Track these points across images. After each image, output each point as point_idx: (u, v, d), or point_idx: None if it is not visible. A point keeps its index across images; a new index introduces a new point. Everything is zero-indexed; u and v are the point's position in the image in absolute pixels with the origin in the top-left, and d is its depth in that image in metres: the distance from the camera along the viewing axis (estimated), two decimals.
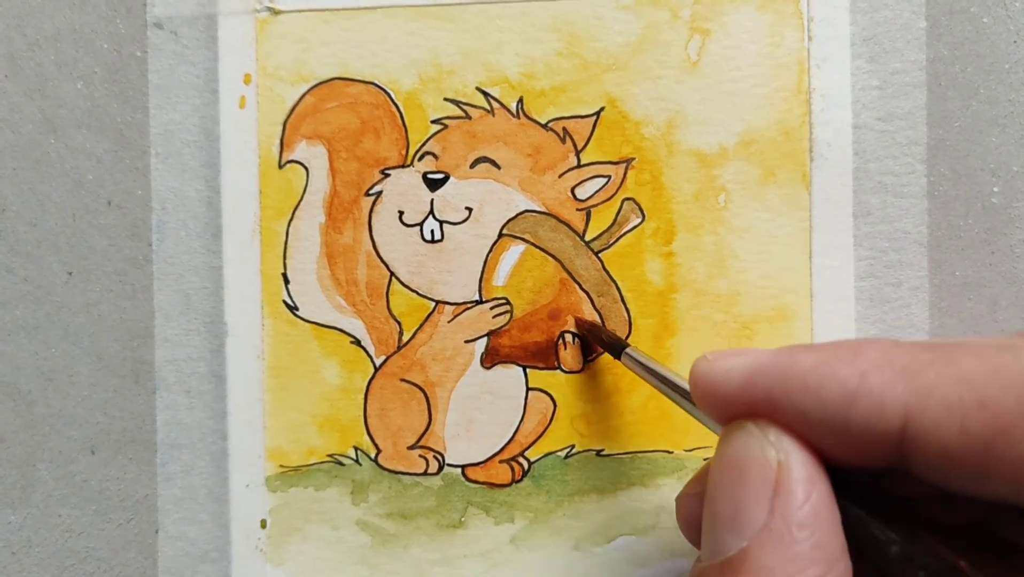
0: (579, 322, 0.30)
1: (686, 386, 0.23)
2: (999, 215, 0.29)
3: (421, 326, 0.30)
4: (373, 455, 0.30)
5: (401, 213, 0.30)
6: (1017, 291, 0.29)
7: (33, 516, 0.31)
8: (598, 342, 0.29)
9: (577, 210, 0.30)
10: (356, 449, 0.30)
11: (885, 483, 0.20)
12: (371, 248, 0.31)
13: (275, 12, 0.31)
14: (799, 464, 0.18)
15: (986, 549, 0.19)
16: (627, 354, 0.27)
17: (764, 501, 0.18)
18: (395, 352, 0.30)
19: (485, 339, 0.30)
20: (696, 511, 0.23)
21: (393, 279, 0.31)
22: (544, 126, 0.30)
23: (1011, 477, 0.17)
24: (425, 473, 0.30)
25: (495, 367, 0.30)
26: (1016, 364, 0.17)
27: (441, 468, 0.30)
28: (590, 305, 0.30)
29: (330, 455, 0.31)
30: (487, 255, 0.30)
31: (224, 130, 0.31)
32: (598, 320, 0.30)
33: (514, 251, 0.30)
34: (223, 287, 0.31)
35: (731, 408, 0.20)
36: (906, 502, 0.19)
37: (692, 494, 0.24)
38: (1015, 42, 0.29)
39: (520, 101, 0.30)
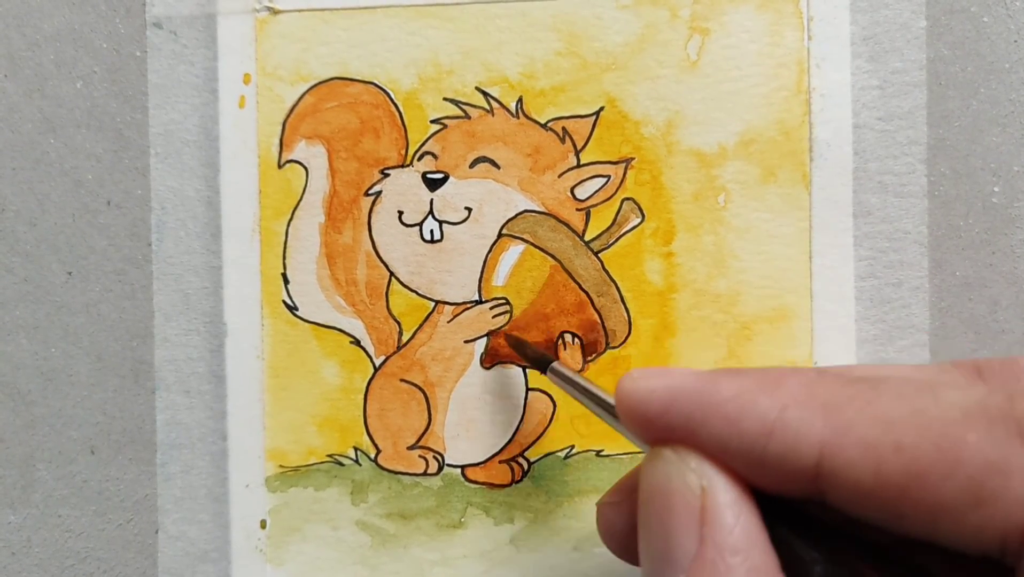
0: (507, 337, 0.30)
1: (613, 402, 0.23)
2: (1000, 215, 0.29)
3: (421, 326, 0.30)
4: (373, 455, 0.30)
5: (400, 213, 0.30)
6: (1018, 291, 0.29)
7: (33, 516, 0.31)
8: (524, 358, 0.29)
9: (577, 210, 0.30)
10: (356, 449, 0.30)
11: (809, 503, 0.20)
12: (370, 248, 0.31)
13: (274, 12, 0.30)
14: (723, 489, 0.18)
15: (912, 567, 0.19)
16: (553, 369, 0.27)
17: (693, 530, 0.18)
18: (395, 352, 0.30)
19: (485, 339, 0.30)
20: (615, 520, 0.23)
21: (393, 279, 0.30)
22: (544, 126, 0.30)
23: (926, 519, 0.16)
24: (425, 473, 0.30)
25: (495, 367, 0.30)
26: (935, 407, 0.17)
27: (441, 468, 0.30)
28: (590, 305, 0.30)
29: (330, 455, 0.31)
30: (486, 255, 0.30)
31: (223, 130, 0.31)
32: (527, 338, 0.30)
33: (513, 251, 0.30)
34: (223, 287, 0.31)
35: (653, 430, 0.20)
36: (831, 521, 0.19)
37: (612, 503, 0.24)
38: (1015, 41, 0.29)
39: (519, 101, 0.30)
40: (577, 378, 0.26)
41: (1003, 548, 0.16)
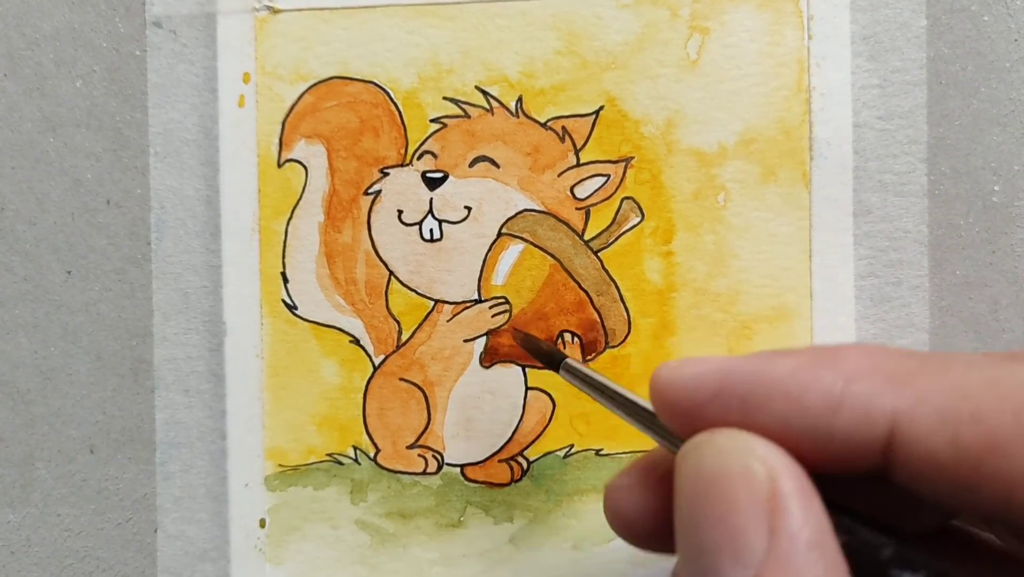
0: (515, 333, 0.30)
1: (634, 398, 0.22)
2: (1000, 214, 0.29)
3: (420, 325, 0.30)
4: (372, 454, 0.30)
5: (400, 212, 0.30)
6: (1018, 290, 0.29)
7: (32, 515, 0.31)
8: (533, 354, 0.29)
9: (576, 209, 0.30)
10: (355, 448, 0.30)
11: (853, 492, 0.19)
12: (370, 247, 0.30)
13: (274, 11, 0.30)
14: (790, 476, 0.17)
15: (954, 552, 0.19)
16: (566, 366, 0.26)
17: (762, 523, 0.16)
18: (394, 351, 0.30)
19: (484, 338, 0.30)
20: (627, 505, 0.21)
21: (392, 278, 0.30)
22: (543, 125, 0.30)
23: (1001, 493, 0.16)
24: (424, 472, 0.30)
25: (494, 366, 0.30)
26: (1012, 377, 0.16)
27: (440, 467, 0.30)
28: (589, 304, 0.30)
29: (329, 454, 0.31)
30: (486, 254, 0.30)
31: (223, 129, 0.31)
32: (534, 335, 0.29)
33: (513, 250, 0.30)
34: (222, 286, 0.31)
35: (699, 419, 0.18)
36: (874, 509, 0.18)
37: (623, 487, 0.22)
38: (1016, 40, 0.29)
39: (519, 100, 0.30)
40: (593, 374, 0.25)
41: None
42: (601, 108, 0.30)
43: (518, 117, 0.30)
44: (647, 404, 0.22)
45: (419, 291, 0.30)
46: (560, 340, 0.30)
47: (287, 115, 0.31)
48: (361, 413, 0.30)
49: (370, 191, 0.30)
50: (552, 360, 0.27)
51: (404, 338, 0.30)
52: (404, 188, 0.30)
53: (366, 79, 0.30)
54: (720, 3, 0.29)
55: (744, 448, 0.17)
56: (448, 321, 0.30)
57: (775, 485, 0.17)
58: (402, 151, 0.30)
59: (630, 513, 0.22)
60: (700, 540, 0.17)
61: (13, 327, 0.31)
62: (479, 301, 0.30)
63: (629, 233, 0.30)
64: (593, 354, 0.30)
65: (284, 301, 0.31)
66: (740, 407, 0.18)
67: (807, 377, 0.17)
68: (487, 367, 0.30)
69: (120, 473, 0.31)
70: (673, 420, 0.19)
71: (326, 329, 0.31)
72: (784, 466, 0.17)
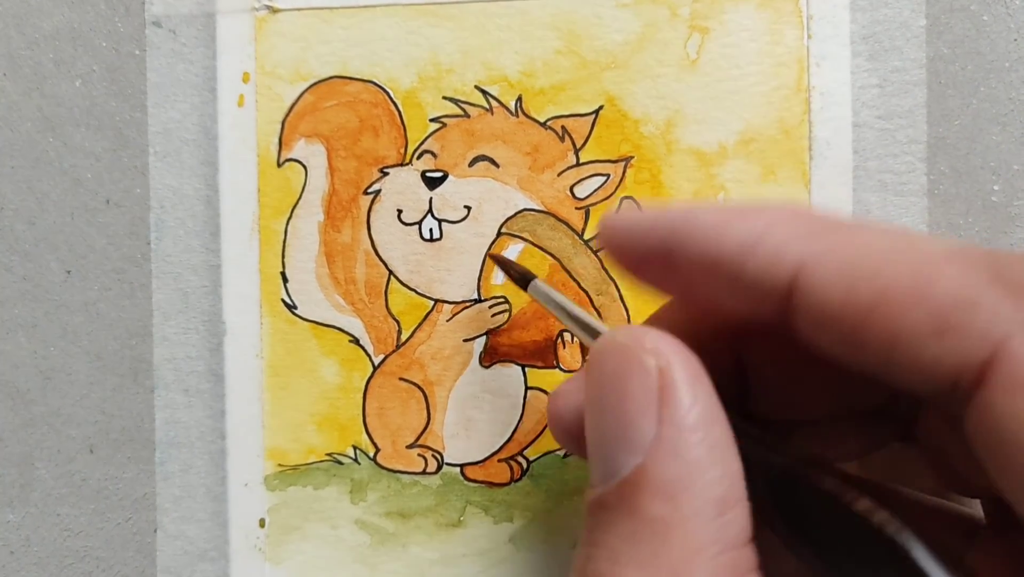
0: (493, 256, 0.30)
1: (588, 320, 0.24)
2: (999, 214, 0.29)
3: (420, 325, 0.30)
4: (372, 454, 0.30)
5: (400, 212, 0.30)
6: None
7: (32, 515, 0.31)
8: (507, 272, 0.29)
9: (576, 208, 0.30)
10: (355, 448, 0.30)
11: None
12: (370, 247, 0.30)
13: (274, 10, 0.30)
14: (680, 367, 0.18)
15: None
16: (533, 286, 0.27)
17: (652, 411, 0.17)
18: (394, 351, 0.30)
19: (484, 338, 0.30)
20: (565, 410, 0.23)
21: (392, 278, 0.30)
22: (543, 124, 0.30)
23: (884, 348, 0.16)
24: (424, 472, 0.30)
25: (494, 366, 0.30)
26: (918, 245, 0.17)
27: (440, 467, 0.30)
28: (589, 304, 0.30)
29: (329, 454, 0.31)
30: (486, 254, 0.30)
31: (222, 128, 0.31)
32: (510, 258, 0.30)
33: (513, 250, 0.30)
34: (222, 286, 0.31)
35: (634, 257, 0.20)
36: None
37: (564, 392, 0.23)
38: (1015, 40, 0.29)
39: (519, 100, 0.30)
40: (558, 296, 0.26)
41: (955, 384, 0.16)
42: (601, 108, 0.30)
43: (518, 117, 0.30)
44: (601, 326, 0.24)
45: (419, 291, 0.30)
46: (560, 340, 0.30)
47: (287, 115, 0.31)
48: (361, 413, 0.30)
49: (370, 191, 0.30)
50: (521, 279, 0.28)
51: (404, 338, 0.30)
52: (404, 188, 0.30)
53: (366, 79, 0.30)
54: (720, 2, 0.29)
55: (638, 342, 0.18)
56: (448, 321, 0.30)
57: (665, 375, 0.17)
58: (402, 151, 0.30)
59: (568, 418, 0.23)
60: (600, 431, 0.18)
61: (13, 327, 0.31)
62: (479, 301, 0.30)
63: None
64: None
65: (284, 301, 0.31)
66: (665, 245, 0.19)
67: (727, 222, 0.18)
68: (487, 367, 0.30)
69: (120, 473, 0.31)
70: (613, 258, 0.20)
71: (326, 329, 0.31)
72: (675, 357, 0.18)
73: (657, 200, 0.25)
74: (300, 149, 0.31)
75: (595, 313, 0.30)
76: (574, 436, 0.22)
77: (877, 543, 0.16)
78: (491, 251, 0.30)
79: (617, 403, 0.18)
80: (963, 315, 0.16)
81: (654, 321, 0.23)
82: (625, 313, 0.30)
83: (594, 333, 0.24)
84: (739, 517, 0.17)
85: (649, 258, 0.19)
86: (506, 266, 0.29)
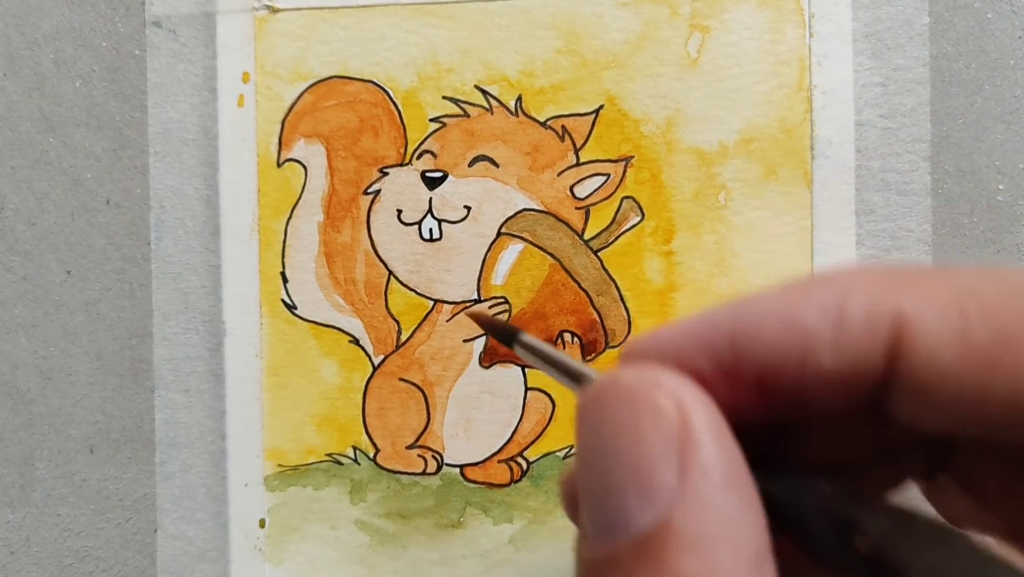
0: (471, 314, 0.29)
1: (589, 373, 0.21)
2: (1004, 213, 0.29)
3: (419, 325, 0.30)
4: (372, 454, 0.30)
5: (400, 212, 0.30)
6: None
7: (32, 515, 0.31)
8: (490, 331, 0.28)
9: (576, 208, 0.30)
10: (355, 448, 0.30)
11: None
12: (369, 247, 0.30)
13: (274, 10, 0.30)
14: (702, 410, 0.15)
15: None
16: (520, 341, 0.25)
17: (672, 459, 0.15)
18: (393, 351, 0.30)
19: (484, 338, 0.30)
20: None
21: (391, 278, 0.30)
22: (543, 124, 0.30)
23: (1011, 394, 0.14)
24: (424, 473, 0.30)
25: (493, 366, 0.30)
26: (1018, 276, 0.15)
27: (440, 468, 0.30)
28: (589, 304, 0.30)
29: (329, 454, 0.30)
30: (485, 254, 0.30)
31: (222, 129, 0.31)
32: (490, 312, 0.29)
33: (513, 250, 0.30)
34: (221, 286, 0.31)
35: (699, 369, 0.17)
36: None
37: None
38: (1020, 38, 0.29)
39: (519, 99, 0.30)
40: (548, 350, 0.24)
41: None
42: (601, 107, 0.30)
43: (518, 116, 0.30)
44: (596, 373, 0.21)
45: (418, 291, 0.30)
46: (560, 340, 0.30)
47: (286, 114, 0.31)
48: (361, 413, 0.30)
49: (369, 191, 0.30)
50: (505, 336, 0.26)
51: (403, 338, 0.30)
52: (403, 188, 0.30)
53: (365, 78, 0.30)
54: (721, 1, 0.29)
55: (651, 382, 0.16)
56: (448, 321, 0.30)
57: (686, 419, 0.15)
58: (401, 151, 0.30)
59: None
60: (605, 482, 0.16)
61: (13, 327, 0.31)
62: (479, 301, 0.30)
63: (629, 233, 0.30)
64: (593, 354, 0.30)
65: (284, 301, 0.31)
66: (729, 350, 0.16)
67: (800, 300, 0.16)
68: (487, 367, 0.30)
69: (120, 473, 0.31)
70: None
71: (325, 329, 0.31)
72: (695, 399, 0.16)
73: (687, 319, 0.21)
74: (300, 149, 0.31)
75: (598, 313, 0.30)
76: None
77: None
78: (470, 310, 0.29)
79: (629, 449, 0.16)
80: None
81: (653, 354, 0.19)
82: (625, 314, 0.30)
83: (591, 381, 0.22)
84: (771, 571, 0.15)
85: (712, 377, 0.16)
86: (489, 325, 0.28)
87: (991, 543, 0.14)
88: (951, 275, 0.15)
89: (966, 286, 0.15)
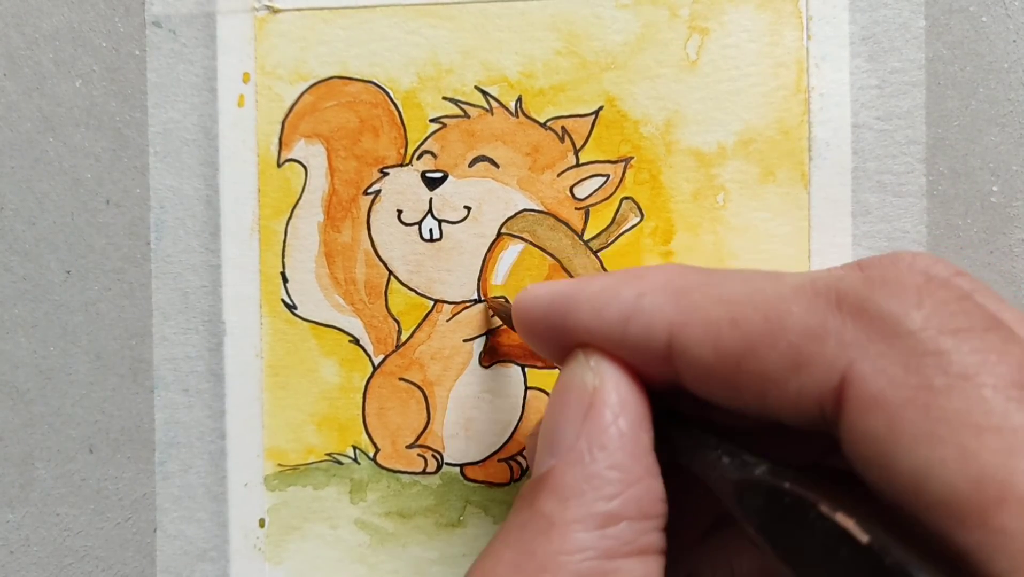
0: (490, 302, 0.30)
1: None
2: (998, 214, 0.29)
3: (420, 325, 0.30)
4: (372, 454, 0.30)
5: (400, 212, 0.30)
6: (1016, 290, 0.29)
7: (31, 515, 0.31)
8: (507, 320, 0.29)
9: (576, 209, 0.30)
10: (355, 448, 0.30)
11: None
12: (369, 247, 0.31)
13: (274, 11, 0.30)
14: (613, 389, 0.19)
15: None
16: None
17: (576, 424, 0.19)
18: (394, 351, 0.30)
19: (484, 338, 0.30)
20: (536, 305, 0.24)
21: (392, 278, 0.31)
22: (543, 125, 0.30)
23: (757, 392, 0.17)
24: (424, 472, 0.30)
25: (494, 366, 0.30)
26: (772, 287, 0.18)
27: (440, 467, 0.30)
28: None
29: (329, 454, 0.31)
30: (486, 254, 0.30)
31: (222, 129, 0.31)
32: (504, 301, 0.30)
33: (513, 250, 0.30)
34: (221, 286, 0.31)
35: (541, 333, 0.21)
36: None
37: (534, 435, 0.25)
38: (1014, 41, 0.29)
39: (519, 100, 0.30)
40: None
41: (822, 415, 0.17)
42: (600, 108, 0.30)
43: (518, 117, 0.30)
44: None
45: (419, 291, 0.30)
46: None
47: (287, 115, 0.31)
48: (361, 413, 0.30)
49: (370, 191, 0.30)
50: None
51: (404, 338, 0.30)
52: (404, 188, 0.30)
53: (366, 79, 0.30)
54: (720, 3, 0.29)
55: (583, 362, 0.20)
56: (448, 321, 0.30)
57: (596, 395, 0.19)
58: (402, 151, 0.30)
59: (534, 313, 0.24)
60: (540, 435, 0.20)
61: (12, 327, 0.31)
62: (479, 301, 0.30)
63: (628, 233, 0.30)
64: None
65: (284, 301, 0.31)
66: (561, 321, 0.21)
67: (609, 292, 0.20)
68: (487, 367, 0.30)
69: (119, 473, 0.31)
70: (527, 337, 0.22)
71: (326, 329, 0.31)
72: (610, 378, 0.20)
73: (557, 281, 0.26)
74: (300, 149, 0.31)
75: None
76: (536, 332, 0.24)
77: (843, 544, 0.16)
78: (488, 301, 0.30)
79: (555, 410, 0.20)
80: (813, 347, 0.17)
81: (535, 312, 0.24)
82: None
83: None
84: (623, 533, 0.18)
85: (553, 335, 0.21)
86: (506, 314, 0.29)
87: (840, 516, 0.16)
88: (722, 286, 0.19)
89: (725, 298, 0.18)
